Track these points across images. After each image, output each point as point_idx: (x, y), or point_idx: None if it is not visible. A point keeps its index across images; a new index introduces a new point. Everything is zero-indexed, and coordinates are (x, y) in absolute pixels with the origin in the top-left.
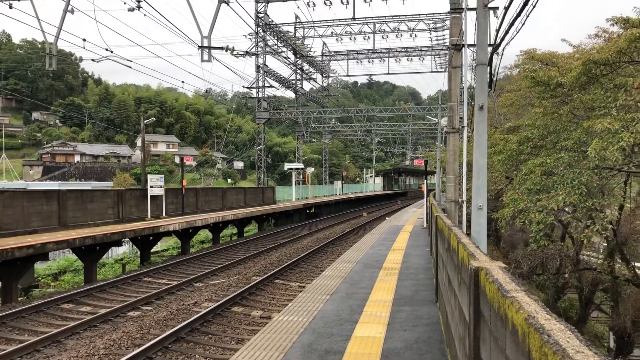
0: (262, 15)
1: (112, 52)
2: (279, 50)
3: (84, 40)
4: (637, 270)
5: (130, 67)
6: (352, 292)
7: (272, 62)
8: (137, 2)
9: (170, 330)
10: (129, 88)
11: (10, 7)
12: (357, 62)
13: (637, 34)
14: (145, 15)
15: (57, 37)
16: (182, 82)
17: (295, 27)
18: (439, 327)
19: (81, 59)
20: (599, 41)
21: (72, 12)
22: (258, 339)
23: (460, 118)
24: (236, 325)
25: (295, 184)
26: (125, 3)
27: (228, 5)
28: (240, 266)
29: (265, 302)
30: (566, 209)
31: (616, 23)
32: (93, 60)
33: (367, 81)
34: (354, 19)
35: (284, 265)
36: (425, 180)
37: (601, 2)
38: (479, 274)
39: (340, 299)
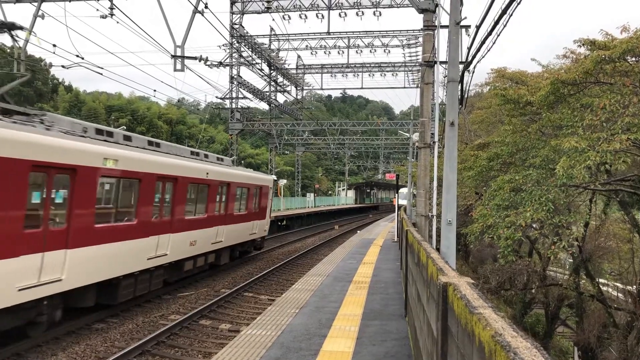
0: (237, 26)
1: (82, 58)
2: (254, 62)
3: (54, 45)
4: (601, 287)
5: (102, 75)
6: (321, 305)
7: (247, 74)
8: (109, 10)
9: (135, 343)
10: (100, 96)
11: None
12: (331, 75)
13: (603, 56)
14: (118, 22)
15: (26, 41)
16: (154, 90)
17: (270, 40)
18: (407, 342)
19: (51, 65)
20: (566, 62)
21: (43, 17)
22: (225, 353)
23: (432, 134)
24: (204, 338)
25: None
26: (97, 10)
27: (202, 15)
28: (210, 278)
29: (234, 315)
30: (534, 225)
31: (583, 45)
32: (63, 66)
33: (341, 95)
34: (328, 33)
35: (254, 278)
36: (397, 195)
37: (570, 23)
38: (448, 290)
39: (310, 312)
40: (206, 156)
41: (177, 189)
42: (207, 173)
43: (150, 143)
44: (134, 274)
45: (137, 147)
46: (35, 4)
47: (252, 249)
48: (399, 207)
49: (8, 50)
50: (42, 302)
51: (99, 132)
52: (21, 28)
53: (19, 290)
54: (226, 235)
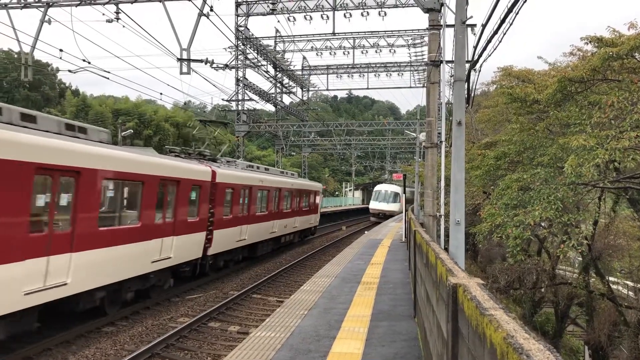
0: (242, 28)
1: (89, 62)
2: (259, 64)
3: (61, 50)
4: (611, 285)
5: (108, 79)
6: (330, 307)
7: (252, 76)
8: (115, 14)
9: (145, 346)
10: (107, 100)
11: None
12: (336, 76)
13: (610, 53)
14: (124, 26)
15: (33, 47)
16: (161, 93)
17: (275, 41)
18: (417, 343)
19: (57, 70)
20: (573, 59)
21: (49, 22)
22: (234, 356)
23: (439, 133)
24: (212, 340)
25: None
26: (103, 14)
27: (208, 18)
28: (218, 281)
29: (242, 317)
30: (542, 224)
31: (590, 42)
32: (70, 71)
33: (347, 95)
34: (333, 34)
35: (262, 280)
36: (404, 195)
37: (576, 20)
38: (457, 291)
39: (319, 314)
40: (285, 173)
41: (280, 194)
42: (292, 184)
43: (266, 169)
44: (262, 242)
45: (262, 171)
46: (42, 9)
47: (310, 234)
48: (376, 213)
49: (16, 56)
50: (238, 249)
51: (248, 166)
52: (227, 124)
53: (236, 241)
54: (299, 223)
